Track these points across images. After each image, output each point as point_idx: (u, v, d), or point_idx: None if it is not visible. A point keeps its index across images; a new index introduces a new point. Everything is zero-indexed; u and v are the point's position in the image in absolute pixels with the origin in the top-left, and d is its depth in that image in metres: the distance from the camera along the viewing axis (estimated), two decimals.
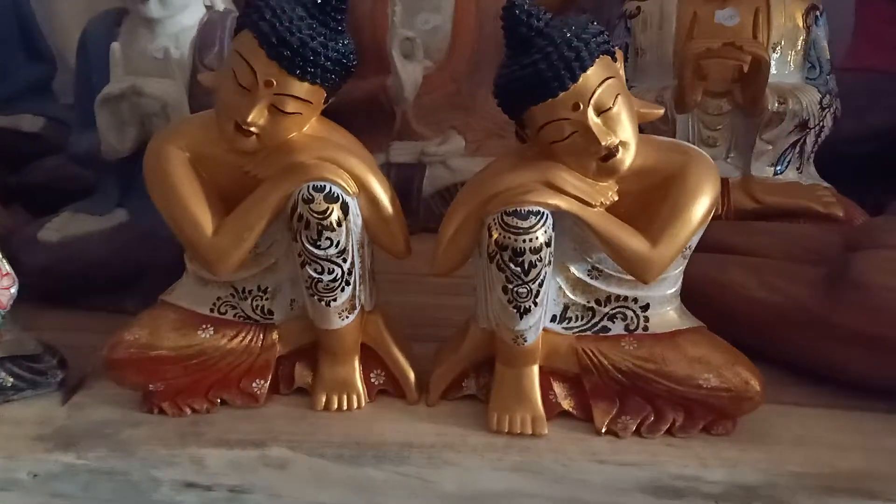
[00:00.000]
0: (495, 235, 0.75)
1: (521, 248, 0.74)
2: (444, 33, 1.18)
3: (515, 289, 0.76)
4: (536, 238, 0.74)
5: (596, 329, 0.83)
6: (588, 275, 0.82)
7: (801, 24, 1.12)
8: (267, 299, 0.84)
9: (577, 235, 0.79)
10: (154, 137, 0.80)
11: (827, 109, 1.12)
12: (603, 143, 0.73)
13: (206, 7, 1.03)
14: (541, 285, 0.76)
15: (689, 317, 0.85)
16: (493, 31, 1.19)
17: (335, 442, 0.81)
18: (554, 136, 0.75)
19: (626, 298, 0.82)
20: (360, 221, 0.79)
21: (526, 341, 0.80)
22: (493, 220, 0.75)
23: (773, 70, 1.07)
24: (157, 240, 1.00)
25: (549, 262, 0.76)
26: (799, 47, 1.12)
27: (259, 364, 0.86)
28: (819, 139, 1.15)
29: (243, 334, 0.85)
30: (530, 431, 0.82)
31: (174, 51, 0.97)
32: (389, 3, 1.15)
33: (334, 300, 0.79)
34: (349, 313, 0.81)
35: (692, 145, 0.81)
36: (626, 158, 0.75)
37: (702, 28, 1.08)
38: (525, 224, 0.74)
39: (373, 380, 0.87)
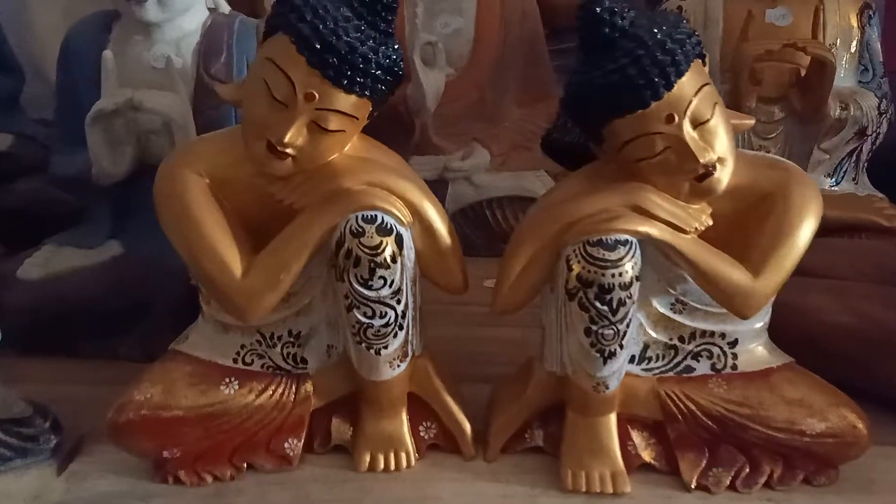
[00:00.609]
0: (577, 269, 0.64)
1: (608, 284, 0.63)
2: (467, 37, 1.07)
3: (600, 331, 0.65)
4: (626, 272, 0.64)
5: (679, 369, 0.73)
6: (671, 309, 0.71)
7: (855, 23, 1.04)
8: (299, 346, 0.72)
9: (660, 265, 0.69)
10: (166, 161, 0.68)
11: (884, 115, 1.04)
12: (701, 161, 0.63)
13: (209, 9, 0.90)
14: (628, 325, 0.66)
15: (778, 352, 0.76)
16: (518, 34, 1.10)
17: None
18: (642, 153, 0.65)
19: (712, 334, 0.72)
20: (413, 255, 0.67)
21: (608, 388, 0.70)
22: (574, 251, 0.65)
23: None
24: (157, 275, 0.88)
25: (636, 297, 0.66)
26: (853, 49, 1.03)
27: (291, 421, 0.74)
28: (874, 147, 1.06)
29: (273, 387, 0.73)
30: (611, 490, 0.71)
31: (176, 59, 0.84)
32: (408, 5, 1.04)
33: (385, 348, 0.68)
34: (401, 361, 0.70)
35: (785, 160, 0.71)
36: (724, 177, 0.65)
37: (755, 28, 0.99)
38: (612, 255, 0.64)
39: (422, 433, 0.76)
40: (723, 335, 0.73)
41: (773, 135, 1.03)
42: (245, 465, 0.73)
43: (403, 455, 0.74)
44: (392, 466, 0.74)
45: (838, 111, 0.99)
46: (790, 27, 1.01)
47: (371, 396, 0.73)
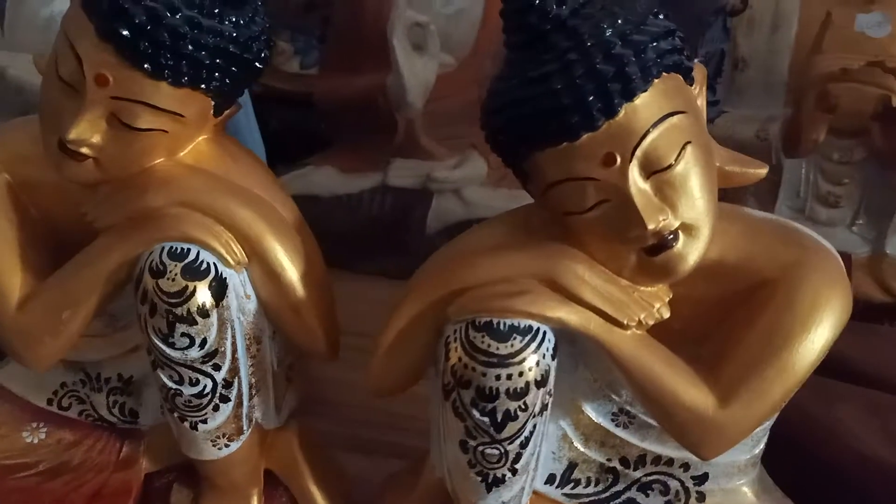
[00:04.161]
0: (453, 359, 0.45)
1: (491, 389, 0.44)
2: (472, 21, 0.87)
3: (480, 448, 0.46)
4: (521, 373, 0.44)
5: (617, 502, 0.53)
6: (612, 421, 0.51)
7: None
8: (129, 395, 0.57)
9: (597, 360, 0.48)
10: None
11: None
12: (649, 227, 0.42)
13: None
14: (524, 445, 0.46)
15: (771, 495, 0.54)
16: None
17: None
18: (569, 205, 0.44)
19: (670, 462, 0.52)
20: (252, 306, 0.50)
21: None
22: (455, 332, 0.45)
23: None
24: None
25: (544, 407, 0.46)
26: None
27: (113, 486, 0.58)
28: None
29: (90, 442, 0.58)
30: None
31: None
32: None
33: (204, 422, 0.51)
34: (230, 441, 0.53)
35: (809, 233, 0.49)
36: (691, 253, 0.44)
37: (835, 37, 0.75)
38: (504, 348, 0.44)
39: None
40: (685, 466, 0.52)
41: (846, 180, 0.79)
42: None
43: None
44: None
45: None
46: (885, 40, 0.75)
47: (206, 474, 0.56)
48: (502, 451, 0.46)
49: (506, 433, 0.45)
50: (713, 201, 0.44)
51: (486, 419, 0.44)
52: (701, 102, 0.47)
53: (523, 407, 0.44)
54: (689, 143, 0.43)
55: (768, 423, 0.52)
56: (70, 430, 0.57)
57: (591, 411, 0.51)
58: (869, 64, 0.69)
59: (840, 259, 0.48)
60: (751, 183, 0.48)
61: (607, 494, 0.53)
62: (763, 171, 0.48)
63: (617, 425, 0.51)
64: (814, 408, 0.64)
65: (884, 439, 0.61)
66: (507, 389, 0.44)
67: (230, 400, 0.51)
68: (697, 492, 0.52)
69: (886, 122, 0.72)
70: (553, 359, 0.45)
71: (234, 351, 0.49)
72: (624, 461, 0.52)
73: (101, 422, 0.58)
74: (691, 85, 0.46)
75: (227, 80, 0.47)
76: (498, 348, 0.44)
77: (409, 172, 0.91)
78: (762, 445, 0.53)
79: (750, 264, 0.47)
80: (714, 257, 0.46)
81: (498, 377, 0.44)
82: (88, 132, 0.46)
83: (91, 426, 0.58)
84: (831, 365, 0.66)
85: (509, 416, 0.44)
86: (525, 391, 0.44)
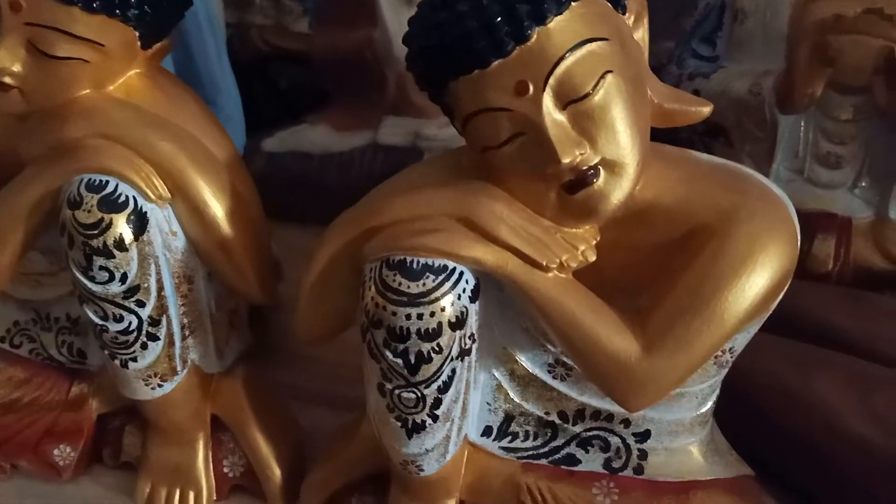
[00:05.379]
0: (367, 299, 0.43)
1: (402, 329, 0.42)
2: None
3: (397, 392, 0.44)
4: (433, 314, 0.42)
5: (557, 457, 0.51)
6: (549, 372, 0.49)
7: None
8: (77, 334, 0.57)
9: (530, 309, 0.46)
10: None
11: None
12: (564, 161, 0.40)
13: None
14: (443, 390, 0.45)
15: (723, 458, 0.51)
16: None
17: None
18: (485, 138, 0.42)
19: (609, 417, 0.50)
20: (180, 244, 0.49)
21: (423, 471, 0.49)
22: (371, 271, 0.44)
23: None
24: None
25: (464, 352, 0.44)
26: None
27: (64, 425, 0.59)
28: None
29: (39, 381, 0.58)
30: None
31: None
32: None
33: (134, 360, 0.51)
34: (163, 381, 0.53)
35: (758, 179, 0.46)
36: (614, 192, 0.42)
37: None
38: (415, 287, 0.42)
39: (226, 470, 0.59)
40: (626, 422, 0.49)
41: (848, 140, 0.74)
42: (9, 466, 0.60)
43: (192, 494, 0.57)
44: None
45: None
46: None
47: (147, 415, 0.56)
48: (419, 395, 0.44)
49: (420, 376, 0.43)
50: (639, 137, 0.42)
51: (399, 360, 0.43)
52: (641, 35, 0.45)
53: (437, 349, 0.43)
54: (609, 72, 0.40)
55: (716, 381, 0.49)
56: (21, 368, 0.58)
57: (526, 361, 0.49)
58: (866, 11, 0.65)
59: (790, 208, 0.45)
60: (692, 122, 0.45)
61: (546, 449, 0.51)
62: (706, 109, 0.45)
63: (554, 377, 0.49)
64: (789, 376, 0.60)
65: (860, 413, 0.57)
66: (419, 330, 0.42)
67: (159, 339, 0.50)
68: (639, 449, 0.50)
69: (891, 77, 0.67)
70: (472, 301, 0.43)
71: (161, 288, 0.49)
72: (562, 415, 0.50)
73: (51, 361, 0.58)
74: (623, 13, 0.43)
75: (146, 9, 0.46)
76: (409, 287, 0.42)
77: (400, 130, 0.89)
78: (710, 404, 0.50)
79: (686, 209, 0.44)
80: (648, 200, 0.44)
81: (409, 317, 0.42)
82: (8, 60, 0.46)
83: (41, 365, 0.58)
84: (815, 330, 0.64)
85: (423, 358, 0.43)
86: (438, 332, 0.42)
